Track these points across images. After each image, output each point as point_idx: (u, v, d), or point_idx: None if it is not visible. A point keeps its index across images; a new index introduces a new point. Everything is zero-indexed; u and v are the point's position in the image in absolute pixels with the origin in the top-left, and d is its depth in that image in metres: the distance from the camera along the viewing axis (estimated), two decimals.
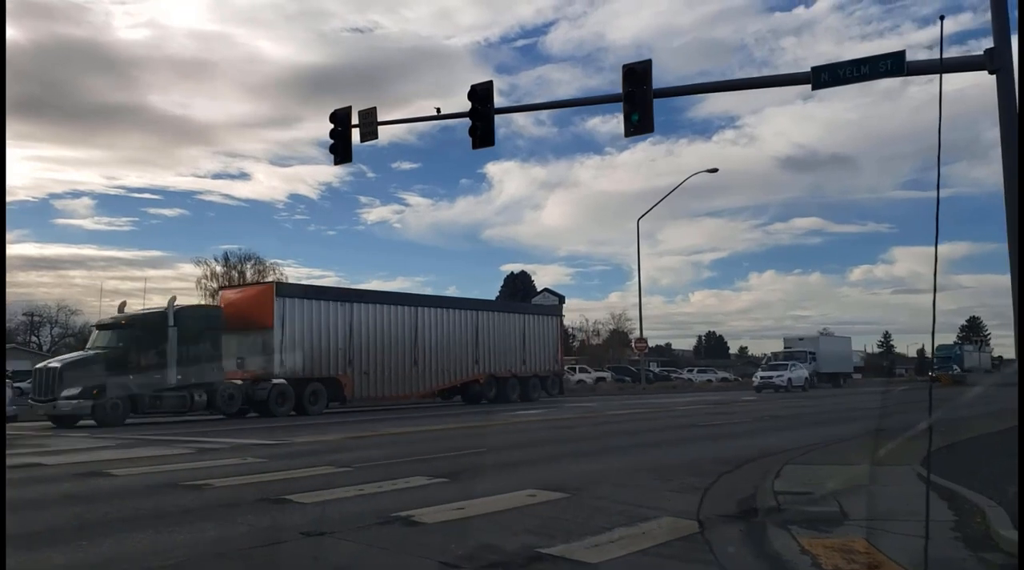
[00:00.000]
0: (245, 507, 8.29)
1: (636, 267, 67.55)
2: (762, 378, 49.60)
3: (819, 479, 9.51)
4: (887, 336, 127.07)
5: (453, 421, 22.16)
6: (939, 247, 4.94)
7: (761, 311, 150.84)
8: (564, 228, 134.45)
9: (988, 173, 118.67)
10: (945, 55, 12.54)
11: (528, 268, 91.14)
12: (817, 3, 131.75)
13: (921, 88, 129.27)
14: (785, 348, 62.82)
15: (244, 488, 9.72)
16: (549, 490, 9.14)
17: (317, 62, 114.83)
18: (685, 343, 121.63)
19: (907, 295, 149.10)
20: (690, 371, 75.28)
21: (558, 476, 10.37)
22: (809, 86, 13.18)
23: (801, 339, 64.50)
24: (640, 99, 14.07)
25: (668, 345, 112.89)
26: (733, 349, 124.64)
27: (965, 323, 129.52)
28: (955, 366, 74.81)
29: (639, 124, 14.14)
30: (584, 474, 10.61)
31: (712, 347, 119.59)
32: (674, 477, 10.44)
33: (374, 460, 12.52)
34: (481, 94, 15.81)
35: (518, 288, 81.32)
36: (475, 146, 15.92)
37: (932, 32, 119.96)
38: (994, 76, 11.41)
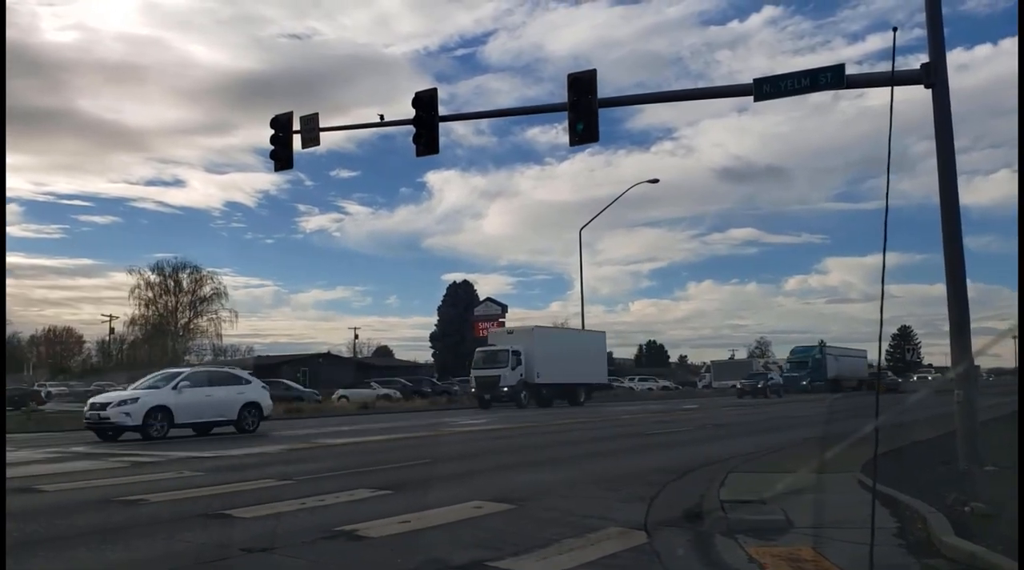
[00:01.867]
0: (183, 523, 8.02)
1: (576, 276, 67.23)
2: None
3: (763, 487, 9.58)
4: (822, 345, 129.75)
5: None
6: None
7: (699, 320, 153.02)
8: (505, 237, 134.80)
9: (914, 186, 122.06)
10: (876, 70, 12.88)
11: (469, 277, 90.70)
12: (751, 18, 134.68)
13: (851, 103, 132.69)
14: (486, 347, 43.91)
15: (182, 503, 9.42)
16: (495, 501, 9.04)
17: (253, 68, 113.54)
18: (626, 352, 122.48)
19: (840, 304, 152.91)
20: (631, 380, 75.81)
21: (504, 487, 10.28)
22: (748, 98, 13.39)
23: (510, 332, 44.78)
24: (585, 108, 14.12)
25: (610, 354, 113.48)
26: (673, 357, 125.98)
27: (897, 332, 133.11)
28: (771, 378, 56.94)
29: (584, 133, 14.19)
30: (530, 485, 10.54)
31: (653, 356, 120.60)
32: (620, 487, 10.43)
33: (315, 473, 12.27)
34: (426, 101, 15.71)
35: (460, 297, 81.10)
36: (419, 154, 15.79)
37: (861, 48, 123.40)
38: (921, 90, 11.69)
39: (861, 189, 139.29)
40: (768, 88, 13.04)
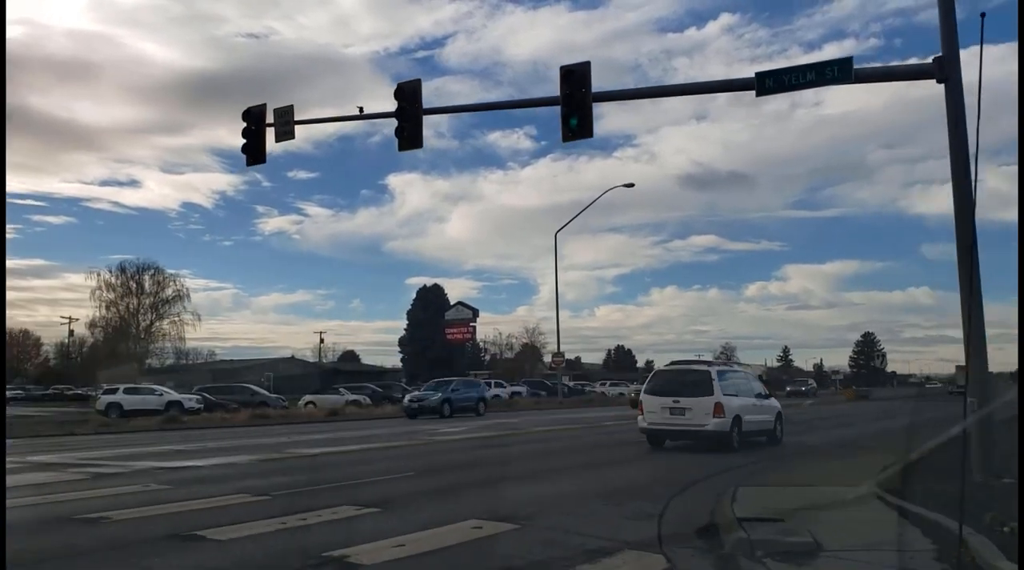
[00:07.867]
0: (152, 546, 7.21)
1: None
2: None
3: (775, 501, 8.98)
4: (786, 351, 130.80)
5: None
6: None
7: (663, 325, 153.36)
8: (470, 241, 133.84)
9: (872, 193, 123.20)
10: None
11: (434, 281, 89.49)
12: (708, 26, 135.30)
13: (808, 111, 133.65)
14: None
15: (149, 522, 8.57)
16: (495, 520, 8.31)
17: (208, 67, 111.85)
18: (593, 357, 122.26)
19: (801, 311, 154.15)
20: (603, 384, 74.97)
21: (501, 503, 9.55)
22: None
23: None
24: (579, 102, 13.44)
25: (578, 359, 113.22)
26: (640, 362, 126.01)
27: (860, 338, 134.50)
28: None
29: (578, 128, 13.47)
30: (528, 500, 9.81)
31: (620, 360, 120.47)
32: (624, 501, 9.80)
33: (292, 486, 11.43)
34: (409, 93, 14.95)
35: (431, 301, 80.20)
36: (402, 148, 15.04)
37: (817, 56, 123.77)
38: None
39: (819, 197, 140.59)
40: (771, 82, 12.47)
